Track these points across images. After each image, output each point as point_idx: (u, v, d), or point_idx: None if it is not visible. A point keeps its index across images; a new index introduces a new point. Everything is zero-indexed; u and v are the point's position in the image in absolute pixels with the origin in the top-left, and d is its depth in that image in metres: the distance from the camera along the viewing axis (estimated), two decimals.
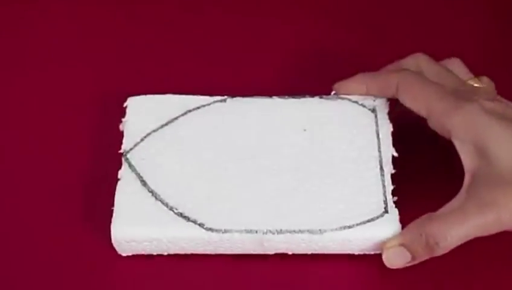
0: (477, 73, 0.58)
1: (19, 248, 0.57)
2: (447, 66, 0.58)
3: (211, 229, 0.54)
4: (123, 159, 0.58)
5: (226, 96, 0.60)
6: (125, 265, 0.56)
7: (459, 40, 0.66)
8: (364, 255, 0.56)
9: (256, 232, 0.54)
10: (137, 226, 0.55)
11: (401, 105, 0.57)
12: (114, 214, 0.55)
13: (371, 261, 0.55)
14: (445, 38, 0.67)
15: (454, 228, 0.51)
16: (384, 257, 0.53)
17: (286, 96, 0.61)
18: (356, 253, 0.56)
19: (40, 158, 0.61)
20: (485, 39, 0.66)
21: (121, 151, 0.58)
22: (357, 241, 0.55)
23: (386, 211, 0.55)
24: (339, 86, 0.60)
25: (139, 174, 0.57)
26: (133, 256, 0.56)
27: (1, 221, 0.58)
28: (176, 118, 0.60)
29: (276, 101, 0.60)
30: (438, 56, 0.59)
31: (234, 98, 0.60)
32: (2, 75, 0.65)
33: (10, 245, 0.57)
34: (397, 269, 0.54)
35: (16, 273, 0.56)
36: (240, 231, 0.54)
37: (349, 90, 0.59)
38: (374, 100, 0.60)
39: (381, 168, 0.57)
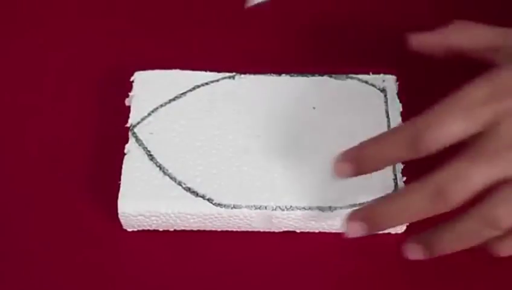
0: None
1: (25, 221, 0.56)
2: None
3: (219, 205, 0.54)
4: (130, 133, 0.57)
5: (234, 73, 0.60)
6: (131, 240, 0.55)
7: None
8: (373, 237, 0.55)
9: (266, 208, 0.54)
10: (145, 200, 0.54)
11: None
12: (121, 188, 0.54)
13: (380, 240, 0.55)
14: None
15: None
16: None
17: (295, 74, 0.60)
18: None
19: (47, 132, 0.60)
20: None
21: (128, 125, 0.57)
22: None
23: (396, 190, 0.55)
24: (419, 40, 0.57)
25: (146, 148, 0.56)
26: (139, 231, 0.56)
27: (7, 192, 0.57)
28: (184, 94, 0.59)
29: (285, 78, 0.60)
30: None
31: (243, 75, 0.60)
32: (10, 50, 0.64)
33: (16, 217, 0.56)
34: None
35: (20, 246, 0.55)
36: (249, 207, 0.54)
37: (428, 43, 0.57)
38: (384, 80, 0.60)
39: None
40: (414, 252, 0.50)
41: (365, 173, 0.51)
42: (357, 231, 0.50)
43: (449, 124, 0.48)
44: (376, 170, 0.51)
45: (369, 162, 0.50)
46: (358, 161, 0.51)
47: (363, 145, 0.51)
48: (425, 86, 0.62)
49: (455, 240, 0.49)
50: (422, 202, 0.48)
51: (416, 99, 0.60)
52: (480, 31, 0.55)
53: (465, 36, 0.56)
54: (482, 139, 0.48)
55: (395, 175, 0.55)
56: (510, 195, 0.47)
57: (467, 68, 0.63)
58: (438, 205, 0.48)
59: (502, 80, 0.49)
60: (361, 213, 0.51)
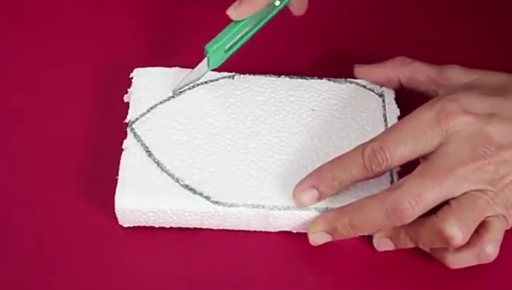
0: None
1: (22, 215, 0.56)
2: (446, 71, 0.59)
3: (217, 203, 0.54)
4: (128, 129, 0.57)
5: (234, 73, 0.60)
6: (127, 236, 0.55)
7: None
8: (369, 236, 0.55)
9: (263, 207, 0.54)
10: (142, 196, 0.54)
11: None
12: (118, 184, 0.54)
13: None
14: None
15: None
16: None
17: (294, 76, 0.61)
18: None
19: (45, 127, 0.60)
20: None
21: (126, 121, 0.57)
22: None
23: None
24: (361, 71, 0.61)
25: (144, 144, 0.56)
26: (135, 228, 0.55)
27: (5, 189, 0.57)
28: (183, 91, 0.59)
29: (284, 80, 0.60)
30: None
31: (242, 75, 0.60)
32: (10, 47, 0.65)
33: (13, 212, 0.56)
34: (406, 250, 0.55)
35: (17, 240, 0.55)
36: (246, 206, 0.54)
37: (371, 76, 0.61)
38: (381, 85, 0.61)
39: None
40: (383, 245, 0.55)
41: (325, 198, 0.54)
42: (320, 240, 0.54)
43: (403, 147, 0.52)
44: (335, 192, 0.54)
45: (327, 186, 0.54)
46: (317, 187, 0.54)
47: (319, 171, 0.54)
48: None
49: (413, 242, 0.54)
50: (380, 218, 0.52)
51: (414, 105, 0.60)
52: (416, 68, 0.59)
53: (401, 71, 0.60)
54: (433, 159, 0.52)
55: (392, 177, 0.55)
56: (460, 214, 0.51)
57: None
58: (394, 220, 0.52)
59: (445, 105, 0.53)
60: (325, 224, 0.54)
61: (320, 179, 0.54)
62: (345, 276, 0.54)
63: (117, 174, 0.55)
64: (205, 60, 0.58)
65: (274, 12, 0.58)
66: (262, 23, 0.58)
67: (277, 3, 0.57)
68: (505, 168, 0.52)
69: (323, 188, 0.54)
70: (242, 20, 0.57)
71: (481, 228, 0.52)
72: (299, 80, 0.60)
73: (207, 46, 0.57)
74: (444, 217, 0.51)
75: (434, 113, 0.53)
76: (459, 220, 0.51)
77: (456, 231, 0.51)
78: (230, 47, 0.58)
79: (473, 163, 0.51)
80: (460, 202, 0.52)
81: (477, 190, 0.52)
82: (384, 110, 0.59)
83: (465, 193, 0.52)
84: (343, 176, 0.53)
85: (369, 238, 0.55)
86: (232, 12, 0.57)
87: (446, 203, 0.52)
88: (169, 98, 0.58)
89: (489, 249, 0.52)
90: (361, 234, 0.54)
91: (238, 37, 0.58)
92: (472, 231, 0.52)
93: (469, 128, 0.52)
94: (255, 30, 0.58)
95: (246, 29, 0.58)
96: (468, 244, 0.52)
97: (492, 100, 0.54)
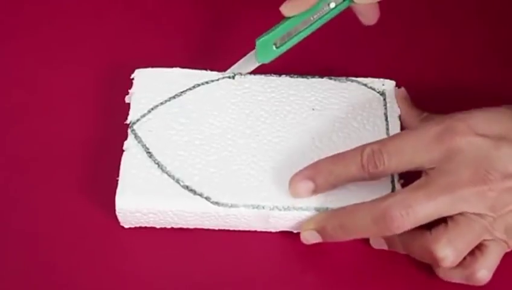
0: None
1: (21, 217, 0.56)
2: None
3: (217, 203, 0.54)
4: (129, 130, 0.57)
5: (234, 73, 0.60)
6: (128, 237, 0.55)
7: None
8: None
9: (263, 207, 0.54)
10: (143, 196, 0.54)
11: None
12: (119, 184, 0.54)
13: None
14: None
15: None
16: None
17: (295, 76, 0.61)
18: None
19: (46, 128, 0.60)
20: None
21: (127, 122, 0.57)
22: None
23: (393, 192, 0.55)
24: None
25: (145, 145, 0.56)
26: (136, 228, 0.55)
27: (6, 189, 0.57)
28: (184, 92, 0.59)
29: (285, 79, 0.60)
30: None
31: (242, 75, 0.60)
32: (12, 48, 0.65)
33: (13, 213, 0.56)
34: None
35: (18, 243, 0.55)
36: (247, 206, 0.54)
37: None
38: (383, 84, 0.60)
39: None
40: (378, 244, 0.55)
41: (320, 191, 0.54)
42: (311, 239, 0.54)
43: (401, 154, 0.52)
44: (331, 188, 0.54)
45: (324, 180, 0.53)
46: (313, 179, 0.54)
47: (318, 164, 0.54)
48: (424, 91, 0.62)
49: (405, 250, 0.54)
50: (369, 224, 0.52)
51: (415, 105, 0.60)
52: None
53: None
54: (432, 175, 0.51)
55: (393, 177, 0.55)
56: (454, 237, 0.51)
57: (464, 78, 0.64)
58: (383, 228, 0.51)
59: (453, 124, 0.52)
60: (316, 223, 0.54)
61: (317, 172, 0.54)
62: (345, 276, 0.54)
63: (118, 175, 0.55)
64: (253, 52, 0.58)
65: (330, 15, 0.57)
66: (316, 24, 0.57)
67: (332, 5, 0.57)
68: (509, 196, 0.51)
69: (320, 181, 0.53)
70: (293, 17, 0.57)
71: (477, 251, 0.52)
72: (300, 79, 0.60)
73: (256, 39, 0.57)
74: (438, 237, 0.51)
75: (440, 129, 0.52)
76: (451, 243, 0.51)
77: (447, 253, 0.50)
78: (282, 44, 0.58)
79: (473, 186, 0.50)
80: (457, 224, 0.51)
81: (475, 213, 0.51)
82: (385, 109, 0.59)
83: (462, 215, 0.51)
84: (340, 172, 0.53)
85: (368, 239, 0.55)
86: (284, 7, 0.56)
87: (443, 221, 0.51)
88: (170, 99, 0.58)
89: (481, 274, 0.51)
90: (351, 239, 0.54)
91: (288, 34, 0.57)
92: (464, 255, 0.51)
93: (475, 150, 0.51)
94: (308, 31, 0.58)
95: (298, 28, 0.57)
96: (462, 265, 0.52)
97: (504, 123, 0.53)
